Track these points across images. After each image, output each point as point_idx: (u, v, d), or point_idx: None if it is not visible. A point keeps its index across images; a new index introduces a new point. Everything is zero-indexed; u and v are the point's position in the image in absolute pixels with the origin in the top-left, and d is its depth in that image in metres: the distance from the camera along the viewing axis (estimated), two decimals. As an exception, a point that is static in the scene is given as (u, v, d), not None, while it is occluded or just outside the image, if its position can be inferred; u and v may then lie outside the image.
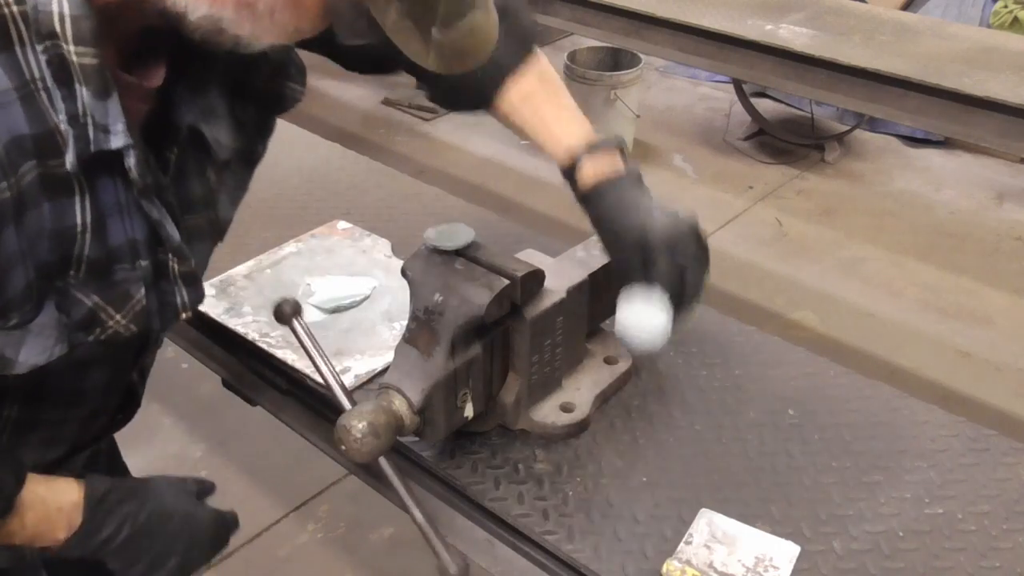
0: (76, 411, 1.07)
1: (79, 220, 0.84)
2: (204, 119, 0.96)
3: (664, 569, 1.12)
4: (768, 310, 3.47)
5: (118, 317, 0.91)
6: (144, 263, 0.91)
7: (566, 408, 1.33)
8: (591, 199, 1.22)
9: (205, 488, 1.21)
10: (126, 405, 1.20)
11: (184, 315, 1.00)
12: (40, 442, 1.06)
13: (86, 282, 0.87)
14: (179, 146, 0.95)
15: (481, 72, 0.91)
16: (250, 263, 1.67)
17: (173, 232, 0.92)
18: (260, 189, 1.92)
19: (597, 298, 1.41)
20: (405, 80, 5.15)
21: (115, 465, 1.53)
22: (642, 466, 1.29)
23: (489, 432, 1.33)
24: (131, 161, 0.84)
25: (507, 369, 1.28)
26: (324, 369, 1.25)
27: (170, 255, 0.93)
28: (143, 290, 0.92)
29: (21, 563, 1.12)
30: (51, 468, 1.06)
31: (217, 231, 1.07)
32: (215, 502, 1.28)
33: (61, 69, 0.79)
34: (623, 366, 1.42)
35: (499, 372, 1.27)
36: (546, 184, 4.34)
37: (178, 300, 0.97)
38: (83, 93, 0.80)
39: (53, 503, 0.98)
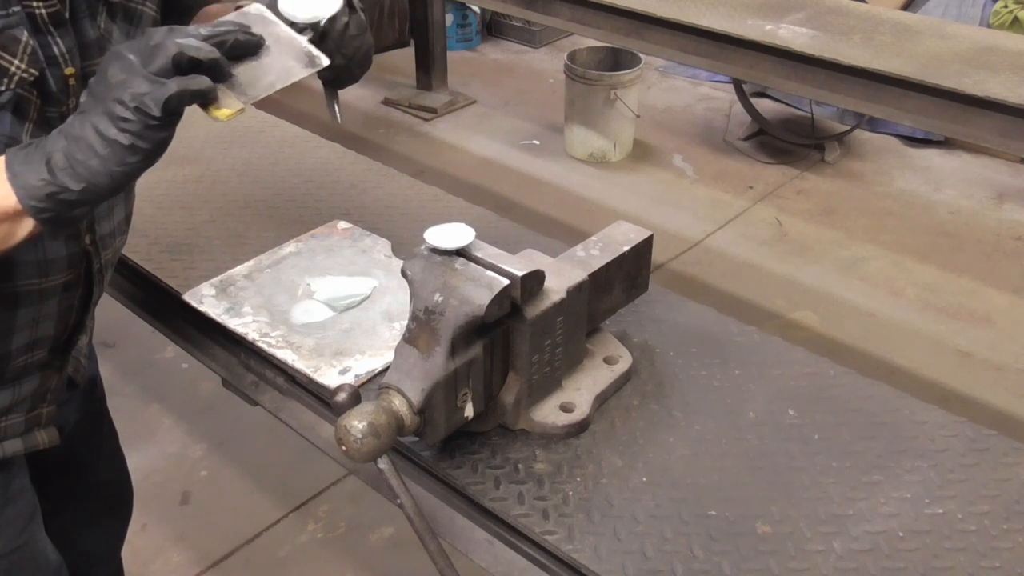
0: (47, 283, 1.16)
1: None
2: None
3: None
4: (768, 310, 3.47)
5: (16, 61, 1.02)
6: (16, 8, 1.02)
7: (566, 408, 1.33)
8: None
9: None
10: (88, 279, 1.26)
11: (67, 70, 1.09)
12: (26, 325, 1.17)
13: None
14: None
15: None
16: (250, 263, 1.67)
17: None
18: (260, 189, 1.95)
19: (597, 298, 1.41)
20: (405, 80, 5.16)
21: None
22: (642, 466, 1.29)
23: (489, 432, 1.33)
24: None
25: (507, 369, 1.28)
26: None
27: (35, 1, 1.04)
28: (26, 33, 1.03)
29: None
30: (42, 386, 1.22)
31: None
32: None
33: None
34: (623, 366, 1.42)
35: (499, 372, 1.27)
36: (546, 184, 4.34)
37: (56, 50, 1.07)
38: None
39: None
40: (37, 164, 0.94)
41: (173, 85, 0.92)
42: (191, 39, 0.94)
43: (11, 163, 0.95)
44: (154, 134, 0.93)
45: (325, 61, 1.06)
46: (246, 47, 1.01)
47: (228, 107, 0.99)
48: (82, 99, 0.95)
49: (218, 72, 0.97)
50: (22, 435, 1.27)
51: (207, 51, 0.95)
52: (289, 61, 1.04)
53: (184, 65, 0.93)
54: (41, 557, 1.38)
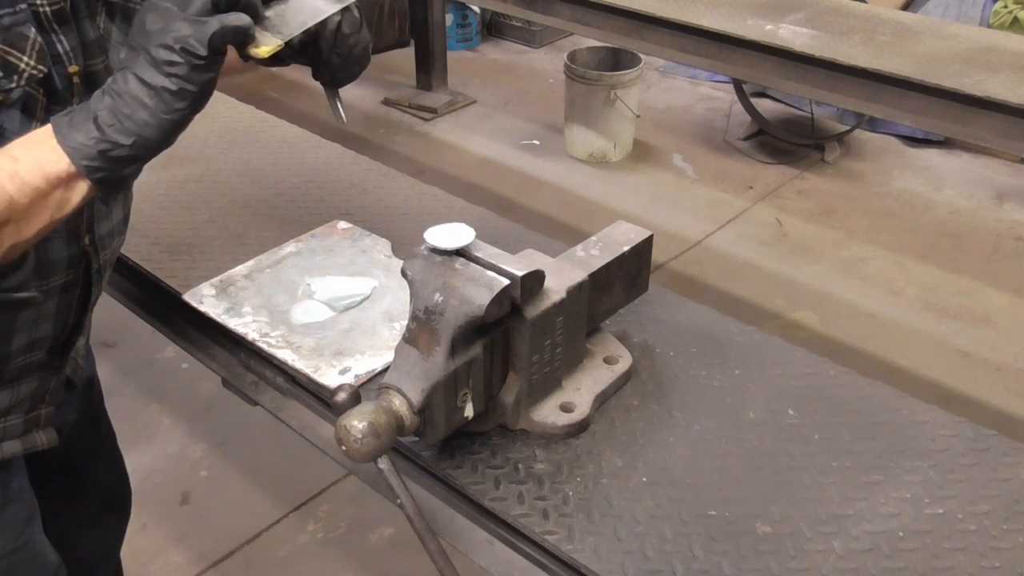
0: (47, 284, 1.16)
1: None
2: None
3: None
4: (768, 310, 3.48)
5: (25, 59, 1.02)
6: (22, 6, 1.02)
7: (566, 408, 1.33)
8: None
9: None
10: (87, 279, 1.25)
11: (71, 68, 1.09)
12: (26, 326, 1.17)
13: None
14: None
15: None
16: (250, 263, 1.67)
17: None
18: (260, 189, 1.95)
19: (597, 298, 1.41)
20: (405, 80, 5.16)
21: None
22: (642, 466, 1.29)
23: (489, 432, 1.33)
24: None
25: (507, 369, 1.28)
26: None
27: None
28: (34, 30, 1.03)
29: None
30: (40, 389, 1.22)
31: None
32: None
33: None
34: (623, 366, 1.42)
35: (499, 372, 1.27)
36: (546, 184, 4.34)
37: (60, 48, 1.07)
38: None
39: (30, 175, 0.95)
40: (84, 124, 0.95)
41: (215, 22, 0.93)
42: None
43: (58, 127, 0.96)
44: (201, 75, 0.94)
45: None
46: None
47: (267, 44, 1.01)
48: (121, 55, 0.96)
49: (254, 12, 0.99)
50: (21, 436, 1.27)
51: None
52: (317, 0, 1.06)
53: (222, 5, 0.95)
54: (40, 558, 1.38)
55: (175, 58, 0.93)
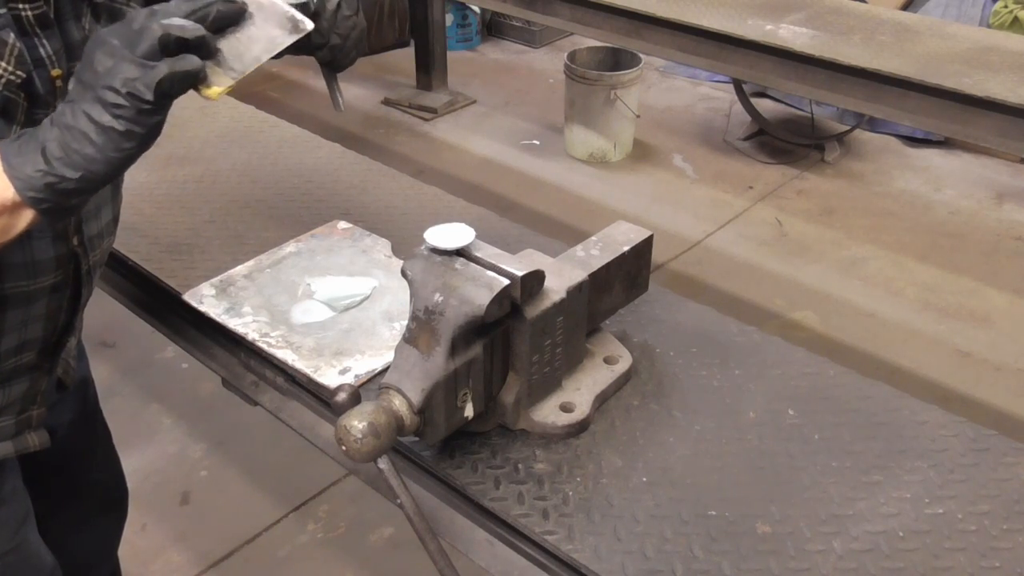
0: (35, 284, 1.16)
1: None
2: None
3: None
4: (768, 310, 3.47)
5: (4, 64, 1.01)
6: (2, 11, 1.01)
7: (566, 408, 1.33)
8: None
9: None
10: (77, 280, 1.25)
11: (54, 72, 1.08)
12: (15, 328, 1.16)
13: None
14: None
15: None
16: (250, 263, 1.67)
17: None
18: (260, 189, 1.95)
19: (597, 298, 1.41)
20: (405, 80, 5.16)
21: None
22: (642, 466, 1.29)
23: (489, 432, 1.33)
24: None
25: (507, 369, 1.28)
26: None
27: (21, 3, 1.03)
28: (13, 35, 1.02)
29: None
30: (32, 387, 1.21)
31: None
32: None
33: None
34: (623, 366, 1.42)
35: (499, 372, 1.27)
36: (546, 184, 4.34)
37: (42, 52, 1.06)
38: None
39: None
40: (32, 154, 0.94)
41: (163, 67, 0.92)
42: (174, 18, 0.94)
43: (6, 155, 0.95)
44: (148, 118, 0.93)
45: (309, 25, 1.03)
46: (229, 17, 0.99)
47: (218, 85, 0.99)
48: (70, 87, 0.95)
49: (205, 50, 0.97)
50: (12, 438, 1.27)
51: (192, 29, 0.94)
52: (273, 30, 1.01)
53: (171, 46, 0.93)
54: (35, 559, 1.37)
55: (121, 101, 0.91)
